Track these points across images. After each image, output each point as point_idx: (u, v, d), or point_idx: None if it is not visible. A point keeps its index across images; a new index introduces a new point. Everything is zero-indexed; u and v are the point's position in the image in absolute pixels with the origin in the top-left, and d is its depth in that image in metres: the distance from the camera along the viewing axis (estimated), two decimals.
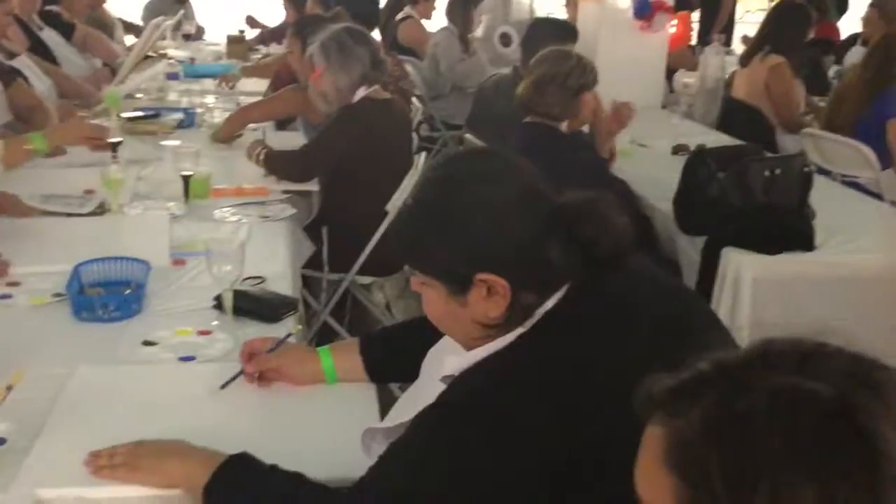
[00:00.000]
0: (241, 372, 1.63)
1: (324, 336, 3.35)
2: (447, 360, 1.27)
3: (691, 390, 0.75)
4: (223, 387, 1.61)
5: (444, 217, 1.21)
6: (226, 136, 3.58)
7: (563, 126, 3.04)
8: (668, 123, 4.28)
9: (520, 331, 1.21)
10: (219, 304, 1.98)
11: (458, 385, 1.20)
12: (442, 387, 1.24)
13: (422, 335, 1.64)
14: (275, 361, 1.62)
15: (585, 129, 3.34)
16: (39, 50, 4.38)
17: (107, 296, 2.00)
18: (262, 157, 3.13)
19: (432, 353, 1.41)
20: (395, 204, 3.01)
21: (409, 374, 1.69)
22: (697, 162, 2.88)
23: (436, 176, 1.27)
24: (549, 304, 1.20)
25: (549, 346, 1.19)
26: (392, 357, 1.65)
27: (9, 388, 1.37)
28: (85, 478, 1.33)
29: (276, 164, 3.14)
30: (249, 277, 2.08)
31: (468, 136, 3.90)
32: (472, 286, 1.19)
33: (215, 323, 1.93)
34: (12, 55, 3.85)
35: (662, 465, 0.74)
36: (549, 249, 1.18)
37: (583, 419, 1.11)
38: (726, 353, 0.78)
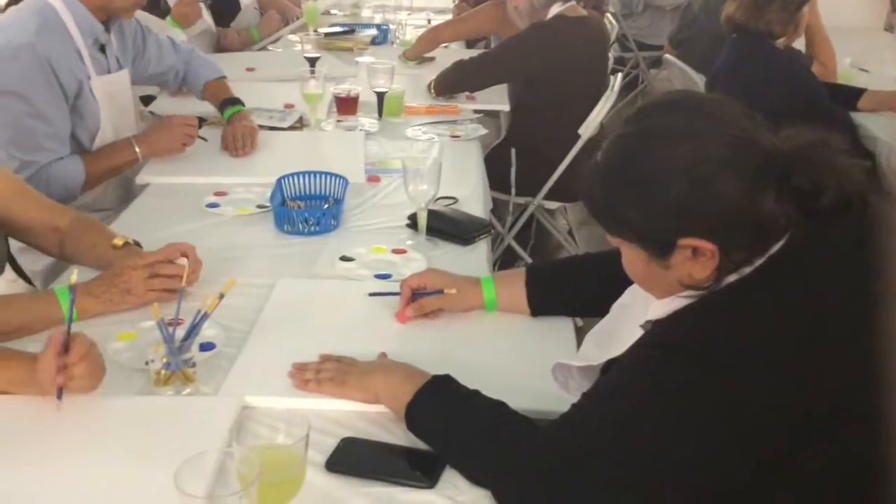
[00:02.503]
0: (395, 294, 1.61)
1: (506, 260, 3.33)
2: (651, 304, 1.19)
3: None
4: (373, 294, 1.63)
5: (639, 179, 1.10)
6: (415, 55, 3.56)
7: (780, 43, 2.81)
8: (892, 47, 3.86)
9: (733, 277, 1.11)
10: (412, 223, 1.98)
11: (674, 327, 1.11)
12: (641, 332, 1.17)
13: (591, 272, 1.57)
14: (437, 303, 1.59)
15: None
16: None
17: (307, 210, 2.04)
18: (433, 87, 3.09)
19: (630, 295, 1.33)
20: (588, 127, 2.90)
21: (571, 310, 1.63)
22: None
23: (629, 132, 1.14)
24: (771, 252, 1.10)
25: (769, 293, 1.09)
26: (557, 292, 1.59)
27: (221, 296, 1.41)
28: (290, 389, 1.37)
29: (444, 77, 3.08)
30: (442, 197, 2.05)
31: (668, 56, 3.68)
32: (675, 249, 1.10)
33: (409, 242, 1.93)
34: None
35: None
36: (762, 205, 1.06)
37: (804, 367, 1.04)
38: None
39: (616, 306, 1.35)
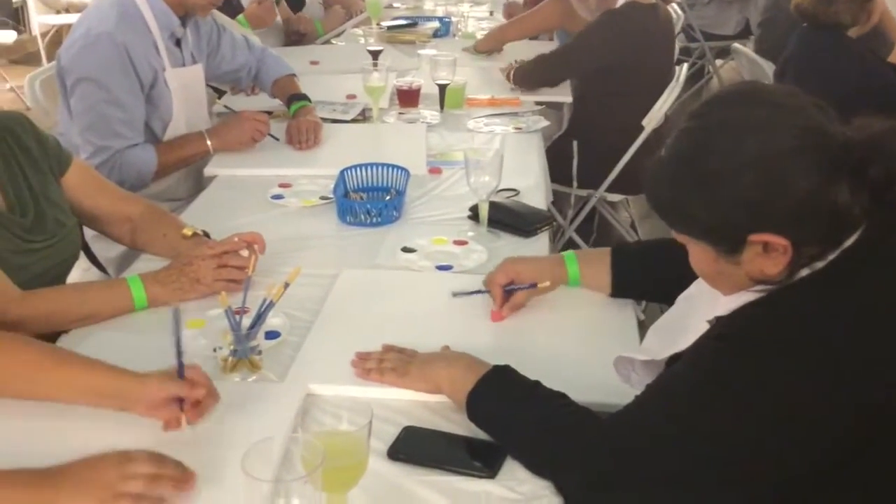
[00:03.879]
0: (482, 292, 1.61)
1: None
2: (719, 300, 1.17)
3: None
4: (457, 295, 1.63)
5: (707, 175, 1.07)
6: (484, 50, 3.56)
7: (853, 32, 2.73)
8: None
9: (805, 271, 1.08)
10: (474, 214, 1.99)
11: (743, 321, 1.09)
12: (706, 327, 1.15)
13: (675, 258, 1.54)
14: (524, 297, 1.59)
15: None
16: None
17: (369, 201, 2.06)
18: (511, 75, 3.08)
19: (696, 287, 1.31)
20: (652, 118, 2.86)
21: (653, 294, 1.61)
22: None
23: (695, 126, 1.11)
24: (845, 245, 1.07)
25: (843, 288, 1.07)
26: (642, 275, 1.59)
27: (286, 285, 1.44)
28: (353, 378, 1.39)
29: (525, 71, 3.07)
30: (503, 189, 2.05)
31: (737, 45, 3.61)
32: (746, 246, 1.08)
33: (470, 234, 1.93)
34: None
35: None
36: (836, 197, 1.03)
37: (876, 365, 1.02)
38: None
39: (682, 298, 1.33)
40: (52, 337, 1.50)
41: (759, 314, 1.09)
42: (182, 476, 1.10)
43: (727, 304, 1.14)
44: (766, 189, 1.05)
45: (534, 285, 1.57)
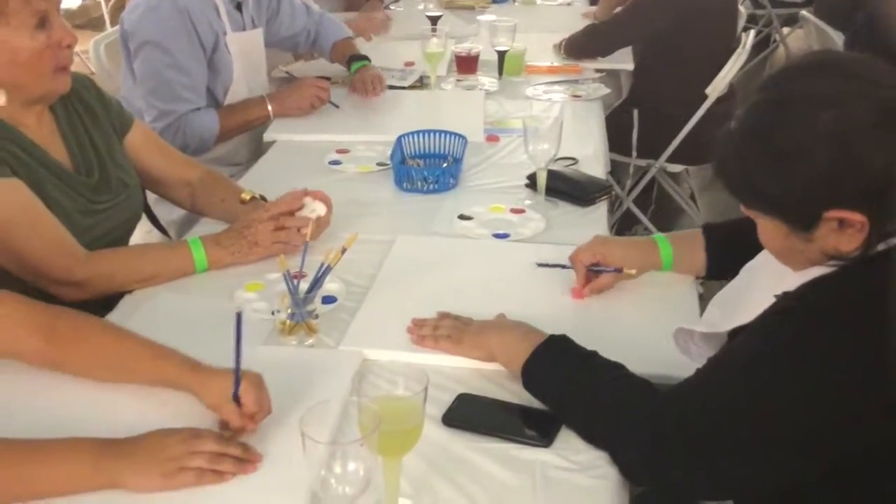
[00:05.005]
0: (566, 268, 1.57)
1: (623, 224, 3.26)
2: (786, 274, 1.14)
3: None
4: (542, 265, 1.60)
5: (780, 150, 1.04)
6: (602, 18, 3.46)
7: None
8: None
9: (881, 247, 1.05)
10: (531, 182, 1.97)
11: (812, 295, 1.06)
12: (772, 300, 1.12)
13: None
14: (607, 281, 1.53)
15: None
16: None
17: (426, 168, 2.06)
18: (563, 47, 3.03)
19: (762, 258, 1.27)
20: (716, 87, 2.79)
21: None
22: None
23: (768, 99, 1.07)
24: None
25: None
26: (738, 255, 1.52)
27: (343, 250, 1.45)
28: (408, 344, 1.39)
29: (576, 41, 3.01)
30: (562, 158, 2.03)
31: (805, 13, 3.49)
32: (820, 222, 1.05)
33: (528, 202, 1.92)
34: None
35: None
36: None
37: None
38: None
39: (746, 269, 1.30)
40: (114, 297, 1.53)
41: (830, 289, 1.06)
42: (246, 457, 1.12)
43: (796, 278, 1.11)
44: (842, 165, 1.01)
45: (619, 270, 1.53)
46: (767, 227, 1.12)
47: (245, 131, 2.42)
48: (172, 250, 1.64)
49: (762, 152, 1.06)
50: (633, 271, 1.53)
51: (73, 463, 1.07)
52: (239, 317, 1.14)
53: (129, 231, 1.78)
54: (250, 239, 1.62)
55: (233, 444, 1.13)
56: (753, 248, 1.47)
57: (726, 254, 1.52)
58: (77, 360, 1.27)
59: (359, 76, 2.55)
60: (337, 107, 2.46)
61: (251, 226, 1.63)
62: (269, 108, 2.36)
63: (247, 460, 1.11)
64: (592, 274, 1.53)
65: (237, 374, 1.16)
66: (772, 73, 1.11)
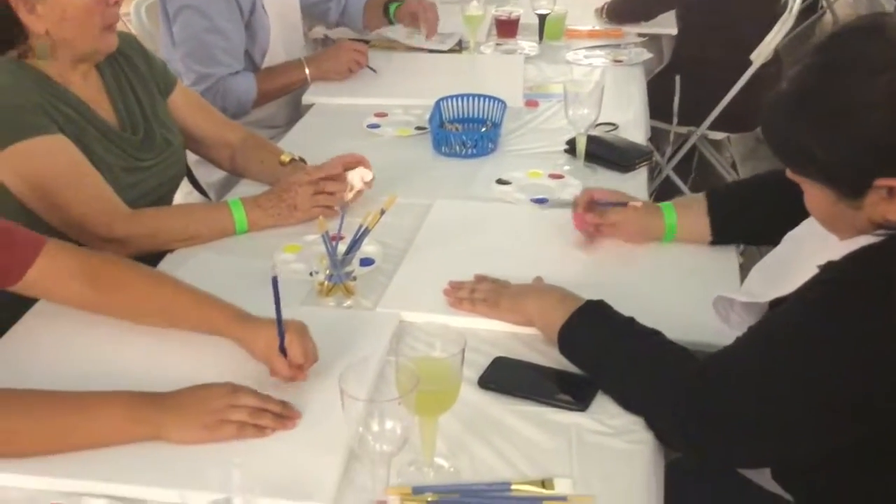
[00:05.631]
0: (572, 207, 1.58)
1: (663, 192, 3.23)
2: (831, 243, 1.12)
3: None
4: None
5: (832, 114, 1.01)
6: None
7: None
8: None
9: None
10: (570, 148, 1.95)
11: (857, 266, 1.04)
12: (815, 270, 1.10)
13: (776, 195, 1.48)
14: (616, 216, 1.55)
15: None
16: None
17: (465, 132, 2.05)
18: (605, 11, 2.98)
19: (806, 227, 1.25)
20: (761, 53, 2.74)
21: (756, 237, 1.54)
22: None
23: (821, 62, 1.04)
24: None
25: None
26: (742, 218, 1.52)
27: (382, 212, 1.45)
28: (445, 307, 1.40)
29: (618, 5, 2.96)
30: (602, 123, 2.00)
31: None
32: (869, 190, 1.02)
33: (567, 168, 1.90)
34: None
35: None
36: None
37: None
38: None
39: (789, 238, 1.28)
40: (155, 256, 1.55)
41: (876, 260, 1.03)
42: (286, 413, 1.14)
43: (841, 247, 1.08)
44: (892, 130, 0.98)
45: (624, 204, 1.54)
46: (815, 194, 1.10)
47: (283, 95, 2.42)
48: (214, 211, 1.65)
49: (812, 116, 1.04)
50: (639, 203, 1.54)
51: (111, 416, 1.09)
52: (275, 280, 1.15)
53: (173, 190, 1.80)
54: (290, 202, 1.63)
55: (272, 401, 1.14)
56: (760, 210, 1.46)
57: (731, 216, 1.51)
58: (122, 305, 1.30)
59: (405, 8, 2.52)
60: (374, 71, 2.45)
61: (291, 189, 1.64)
62: (307, 71, 2.35)
63: (286, 417, 1.13)
64: (596, 206, 1.56)
65: (280, 329, 1.17)
66: (825, 36, 1.08)
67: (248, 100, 2.29)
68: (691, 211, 1.55)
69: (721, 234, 1.54)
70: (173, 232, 1.57)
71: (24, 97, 1.48)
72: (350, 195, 1.60)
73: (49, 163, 1.48)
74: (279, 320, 1.18)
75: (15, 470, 1.05)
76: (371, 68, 2.45)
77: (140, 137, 1.66)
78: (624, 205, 1.54)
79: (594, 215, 1.55)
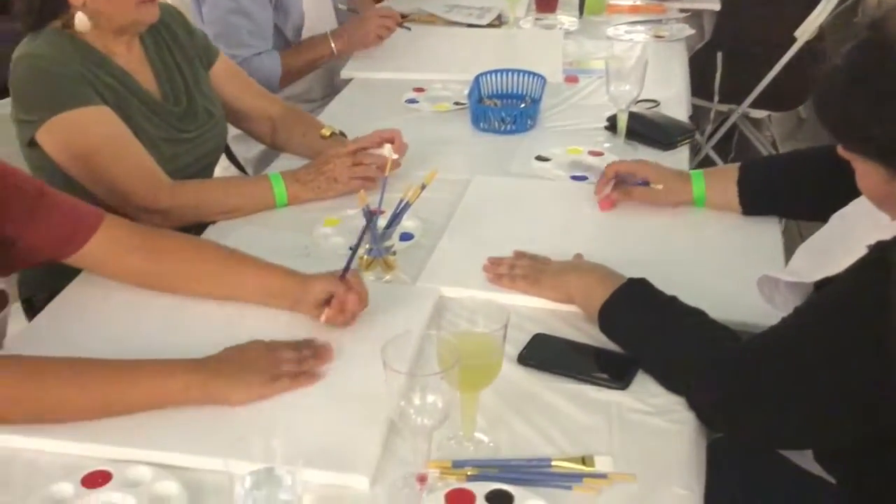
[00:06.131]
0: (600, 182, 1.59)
1: None
2: (883, 221, 1.09)
3: None
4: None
5: (886, 91, 0.99)
6: None
7: None
8: None
9: None
10: (611, 125, 1.93)
11: None
12: (864, 250, 1.07)
13: (810, 169, 1.45)
14: (643, 195, 1.56)
15: None
16: None
17: (504, 108, 2.03)
18: None
19: (855, 206, 1.23)
20: (805, 30, 2.68)
21: (785, 211, 1.52)
22: None
23: (876, 39, 1.02)
24: None
25: None
26: (773, 190, 1.51)
27: (423, 187, 1.44)
28: (484, 283, 1.39)
29: None
30: (643, 100, 1.98)
31: None
32: None
33: (607, 145, 1.88)
34: None
35: None
36: None
37: None
38: None
39: (837, 217, 1.26)
40: (197, 228, 1.57)
41: None
42: (320, 351, 1.18)
43: (892, 227, 1.06)
44: None
45: (646, 183, 1.55)
46: (867, 172, 1.07)
47: (310, 71, 2.38)
48: (255, 184, 1.66)
49: (867, 92, 1.01)
50: (660, 186, 1.55)
51: (167, 384, 1.10)
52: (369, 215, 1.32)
53: (214, 161, 1.81)
54: (329, 175, 1.63)
55: (304, 346, 1.19)
56: (790, 182, 1.44)
57: (760, 188, 1.51)
58: (179, 277, 1.32)
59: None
60: (409, 29, 2.39)
61: (330, 161, 1.64)
62: (333, 45, 2.31)
63: (323, 353, 1.18)
64: (620, 183, 1.58)
65: (349, 261, 1.26)
66: (878, 12, 1.05)
67: (274, 79, 2.27)
68: (721, 180, 1.56)
69: (751, 206, 1.53)
70: (215, 204, 1.58)
71: (67, 67, 1.49)
72: (387, 171, 1.59)
73: (92, 133, 1.49)
74: (354, 251, 1.26)
75: (59, 436, 1.07)
76: (406, 27, 2.38)
77: (182, 108, 1.67)
78: (646, 184, 1.55)
79: (619, 193, 1.56)
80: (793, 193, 1.48)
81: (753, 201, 1.53)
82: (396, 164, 1.70)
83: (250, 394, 1.11)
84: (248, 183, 1.70)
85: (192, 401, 1.10)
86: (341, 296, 1.23)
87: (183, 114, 1.66)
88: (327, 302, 1.24)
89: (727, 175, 1.56)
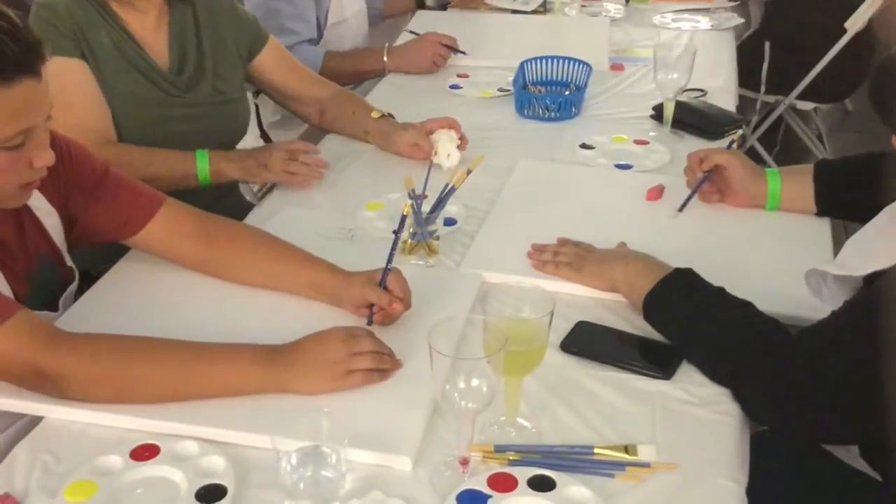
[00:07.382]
0: (693, 193, 1.55)
1: None
2: None
3: None
4: (681, 210, 1.55)
5: None
6: None
7: None
8: None
9: None
10: (657, 113, 1.91)
11: None
12: None
13: (888, 170, 1.42)
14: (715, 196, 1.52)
15: None
16: None
17: (548, 95, 2.02)
18: None
19: None
20: (857, 21, 2.63)
21: (862, 213, 1.49)
22: None
23: None
24: None
25: None
26: (849, 190, 1.46)
27: (468, 172, 1.44)
28: (527, 268, 1.39)
29: None
30: (689, 89, 1.95)
31: None
32: None
33: (652, 133, 1.86)
34: None
35: None
36: None
37: None
38: None
39: (887, 211, 1.23)
40: (240, 214, 1.57)
41: None
42: (397, 362, 1.16)
43: None
44: None
45: (706, 179, 1.53)
46: None
47: (354, 81, 2.30)
48: (179, 155, 1.62)
49: None
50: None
51: (241, 368, 1.11)
52: (403, 217, 1.29)
53: (232, 142, 1.80)
54: (261, 161, 1.62)
55: (383, 342, 1.16)
56: (867, 186, 1.40)
57: (837, 190, 1.46)
58: (232, 263, 1.33)
59: None
60: (465, 53, 2.30)
61: (266, 150, 1.66)
62: (386, 59, 2.24)
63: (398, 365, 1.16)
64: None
65: (386, 267, 1.23)
66: None
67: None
68: (796, 179, 1.51)
69: (826, 208, 1.49)
70: (136, 168, 1.50)
71: (63, 19, 1.54)
72: (446, 163, 1.61)
73: (51, 81, 1.48)
74: (392, 252, 1.23)
75: (106, 409, 1.08)
76: (461, 52, 2.28)
77: (184, 78, 1.68)
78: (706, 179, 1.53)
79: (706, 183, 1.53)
80: (869, 197, 1.42)
81: (829, 204, 1.49)
82: (461, 147, 1.72)
83: (318, 387, 1.11)
84: (174, 154, 1.63)
85: (267, 387, 1.10)
86: (385, 306, 1.22)
87: (186, 83, 1.68)
88: (369, 304, 1.24)
89: (802, 175, 1.51)
